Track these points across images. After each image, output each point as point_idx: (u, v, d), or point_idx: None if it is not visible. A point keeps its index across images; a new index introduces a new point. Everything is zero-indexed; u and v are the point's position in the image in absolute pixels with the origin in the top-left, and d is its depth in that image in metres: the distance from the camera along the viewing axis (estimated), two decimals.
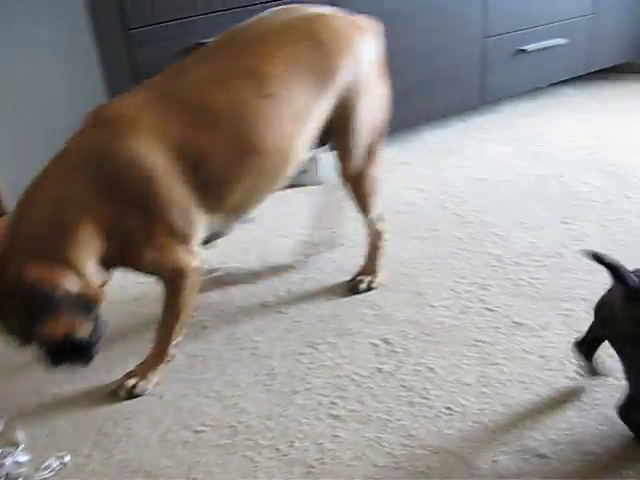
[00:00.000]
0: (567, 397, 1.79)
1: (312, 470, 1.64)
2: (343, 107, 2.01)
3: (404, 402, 1.81)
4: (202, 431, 1.78)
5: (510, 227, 2.64)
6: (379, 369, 1.94)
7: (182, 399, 1.90)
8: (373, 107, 2.09)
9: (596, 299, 2.05)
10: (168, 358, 1.95)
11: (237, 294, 2.37)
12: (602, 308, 1.66)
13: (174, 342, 1.93)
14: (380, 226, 2.32)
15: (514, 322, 2.10)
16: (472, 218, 2.74)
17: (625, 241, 2.49)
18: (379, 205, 2.28)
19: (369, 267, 2.35)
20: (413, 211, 2.84)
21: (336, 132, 2.05)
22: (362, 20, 2.08)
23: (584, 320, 2.04)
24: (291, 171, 1.98)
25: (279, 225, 2.83)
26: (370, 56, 2.05)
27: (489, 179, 3.06)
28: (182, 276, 1.84)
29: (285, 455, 1.68)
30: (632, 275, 1.51)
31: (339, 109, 2.00)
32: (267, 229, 2.80)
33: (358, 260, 2.39)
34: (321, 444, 1.71)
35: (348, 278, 2.36)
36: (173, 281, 1.85)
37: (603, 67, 3.95)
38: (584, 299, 2.17)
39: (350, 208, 2.35)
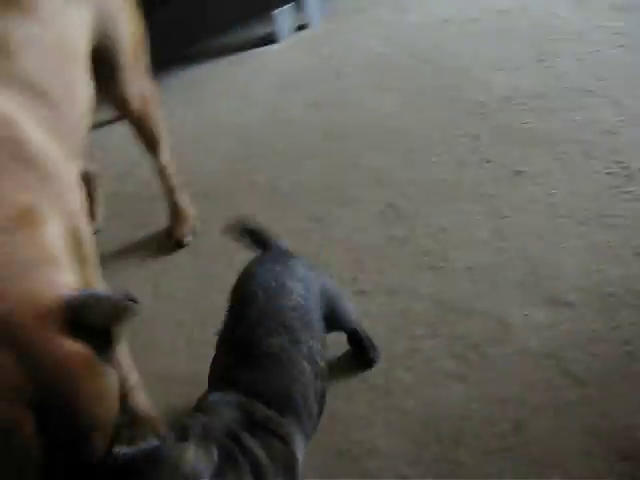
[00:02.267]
0: (581, 243, 1.79)
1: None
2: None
3: (425, 267, 1.78)
4: None
5: (486, 70, 2.55)
6: (392, 236, 1.89)
7: (196, 297, 1.81)
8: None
9: (589, 139, 2.01)
10: None
11: (222, 172, 2.24)
12: None
13: None
14: (171, 169, 2.01)
15: (514, 171, 2.06)
16: (446, 64, 2.62)
17: (603, 75, 2.44)
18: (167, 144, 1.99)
19: (177, 215, 2.03)
20: (382, 62, 2.70)
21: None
22: None
23: (581, 163, 2.03)
24: None
25: None
26: None
27: (454, 19, 2.92)
28: None
29: None
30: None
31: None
32: None
33: None
34: None
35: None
36: None
37: None
38: (577, 140, 2.14)
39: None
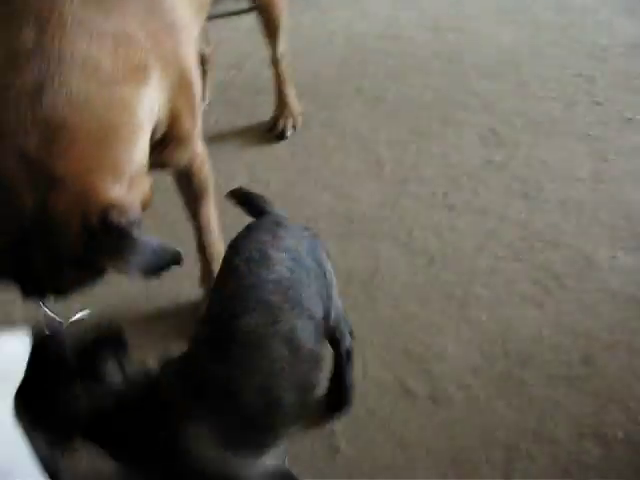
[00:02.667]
0: None
1: (434, 260, 1.63)
2: None
3: (518, 195, 1.78)
4: (316, 219, 1.75)
5: (614, 13, 2.46)
6: (490, 161, 1.88)
7: (289, 188, 1.86)
8: None
9: None
10: None
11: (330, 76, 2.25)
12: None
13: None
14: (285, 61, 2.03)
15: (625, 117, 2.00)
16: (572, 2, 2.54)
17: None
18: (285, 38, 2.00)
19: (283, 107, 2.06)
20: None
21: None
22: None
23: None
24: None
25: None
26: None
27: None
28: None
29: (405, 244, 1.67)
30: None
31: None
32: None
33: None
34: (440, 234, 1.69)
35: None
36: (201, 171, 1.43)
37: None
38: None
39: None
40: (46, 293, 1.02)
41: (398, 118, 2.04)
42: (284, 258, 1.10)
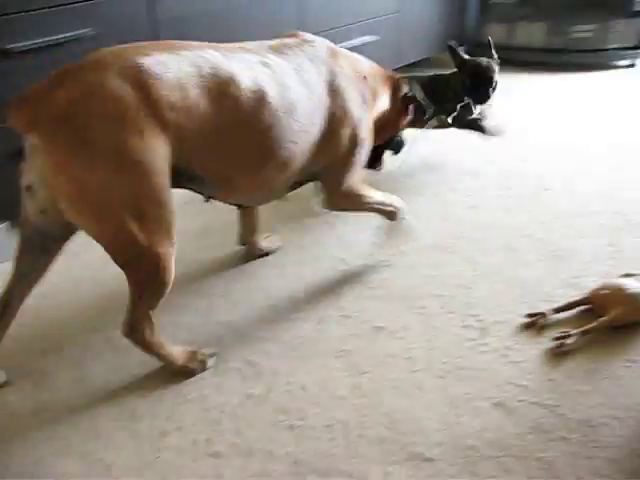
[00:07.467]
0: (439, 396, 1.80)
1: None
2: None
3: (283, 427, 1.72)
4: None
5: (354, 230, 2.64)
6: (249, 395, 1.83)
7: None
8: None
9: (447, 294, 2.11)
10: None
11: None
12: None
13: None
14: None
15: (374, 327, 2.08)
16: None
17: (457, 234, 2.56)
18: None
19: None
20: None
21: None
22: None
23: (440, 315, 2.09)
24: None
25: None
26: None
27: None
28: None
29: None
30: None
31: None
32: None
33: None
34: None
35: None
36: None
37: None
38: (435, 295, 2.21)
39: None
40: None
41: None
42: None
